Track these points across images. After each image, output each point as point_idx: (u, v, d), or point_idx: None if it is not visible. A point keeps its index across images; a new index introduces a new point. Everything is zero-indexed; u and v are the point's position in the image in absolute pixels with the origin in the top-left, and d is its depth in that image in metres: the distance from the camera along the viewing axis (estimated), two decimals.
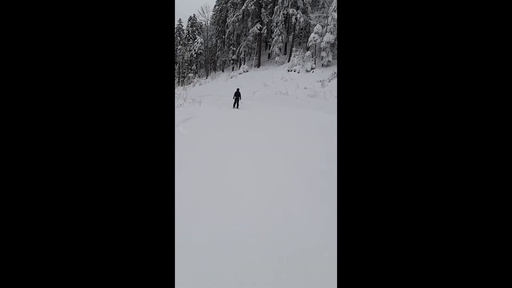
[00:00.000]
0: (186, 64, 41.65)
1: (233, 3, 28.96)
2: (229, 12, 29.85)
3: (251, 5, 24.80)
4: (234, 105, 11.79)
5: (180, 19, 43.21)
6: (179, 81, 45.55)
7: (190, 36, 40.78)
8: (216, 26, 33.54)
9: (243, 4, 26.43)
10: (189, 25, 40.56)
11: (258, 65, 26.36)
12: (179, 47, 43.10)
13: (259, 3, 24.73)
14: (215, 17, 33.62)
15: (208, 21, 35.16)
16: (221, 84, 27.81)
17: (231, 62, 30.84)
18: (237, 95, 11.82)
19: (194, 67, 39.73)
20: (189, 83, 37.90)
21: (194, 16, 39.25)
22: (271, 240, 2.09)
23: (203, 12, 35.99)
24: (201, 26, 39.77)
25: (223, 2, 31.16)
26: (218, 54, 34.29)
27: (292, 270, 1.77)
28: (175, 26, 43.12)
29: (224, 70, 33.08)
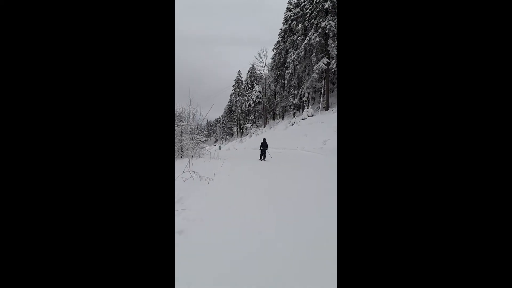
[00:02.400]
0: (244, 114, 39.13)
1: (293, 41, 25.23)
2: (288, 52, 26.12)
3: (315, 37, 20.22)
4: (260, 157, 10.64)
5: (239, 70, 42.67)
6: (237, 132, 43.15)
7: (249, 86, 38.82)
8: (275, 71, 30.06)
9: (305, 39, 22.19)
10: (248, 76, 38.98)
11: (327, 107, 20.46)
12: (238, 98, 41.55)
13: (325, 33, 20.00)
14: (274, 62, 30.43)
15: (266, 68, 32.05)
16: (279, 132, 22.67)
17: (292, 107, 25.86)
18: (264, 146, 10.71)
19: (252, 117, 36.56)
20: (246, 134, 34.45)
21: (253, 66, 37.55)
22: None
23: (260, 57, 33.02)
24: (260, 76, 37.47)
25: (282, 42, 27.82)
26: (277, 100, 30.14)
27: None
28: (234, 77, 42.57)
29: (284, 117, 28.28)
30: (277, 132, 23.44)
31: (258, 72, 36.53)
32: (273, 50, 29.89)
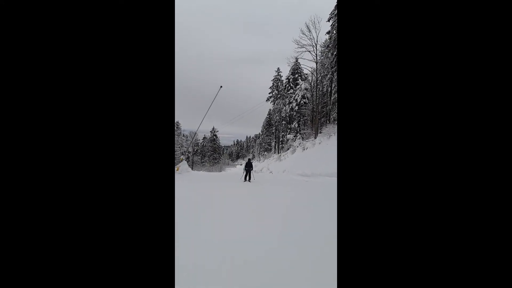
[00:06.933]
0: (284, 122, 29.18)
1: None
2: None
3: None
4: (245, 178, 9.87)
5: (278, 68, 33.31)
6: (276, 147, 33.27)
7: (291, 85, 29.01)
8: (331, 51, 19.76)
9: None
10: (290, 73, 29.32)
11: None
12: (277, 101, 31.96)
13: None
14: (331, 39, 20.25)
15: (318, 47, 21.66)
16: None
17: None
18: (248, 166, 9.99)
19: (295, 124, 26.41)
20: (288, 149, 24.43)
21: (297, 60, 27.88)
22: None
23: (309, 32, 20.33)
24: (306, 76, 27.52)
25: None
26: (335, 97, 19.64)
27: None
28: (273, 76, 33.29)
29: None
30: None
31: (305, 69, 26.62)
32: (328, 20, 19.78)
